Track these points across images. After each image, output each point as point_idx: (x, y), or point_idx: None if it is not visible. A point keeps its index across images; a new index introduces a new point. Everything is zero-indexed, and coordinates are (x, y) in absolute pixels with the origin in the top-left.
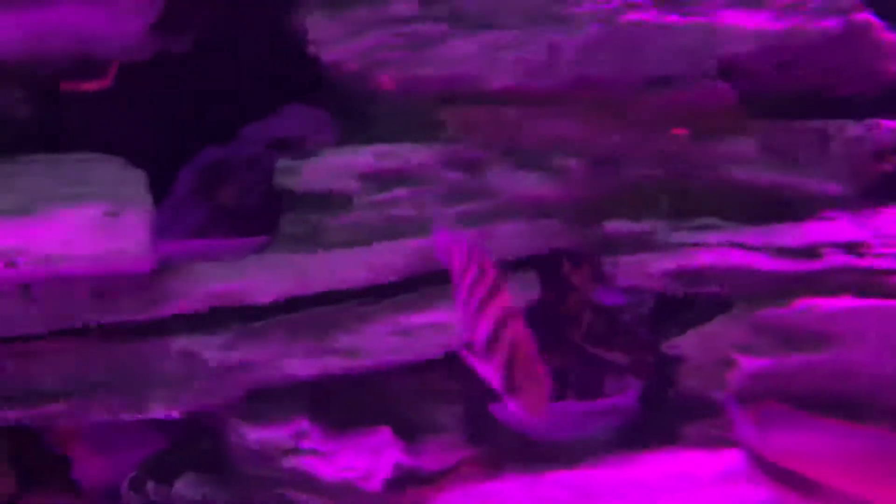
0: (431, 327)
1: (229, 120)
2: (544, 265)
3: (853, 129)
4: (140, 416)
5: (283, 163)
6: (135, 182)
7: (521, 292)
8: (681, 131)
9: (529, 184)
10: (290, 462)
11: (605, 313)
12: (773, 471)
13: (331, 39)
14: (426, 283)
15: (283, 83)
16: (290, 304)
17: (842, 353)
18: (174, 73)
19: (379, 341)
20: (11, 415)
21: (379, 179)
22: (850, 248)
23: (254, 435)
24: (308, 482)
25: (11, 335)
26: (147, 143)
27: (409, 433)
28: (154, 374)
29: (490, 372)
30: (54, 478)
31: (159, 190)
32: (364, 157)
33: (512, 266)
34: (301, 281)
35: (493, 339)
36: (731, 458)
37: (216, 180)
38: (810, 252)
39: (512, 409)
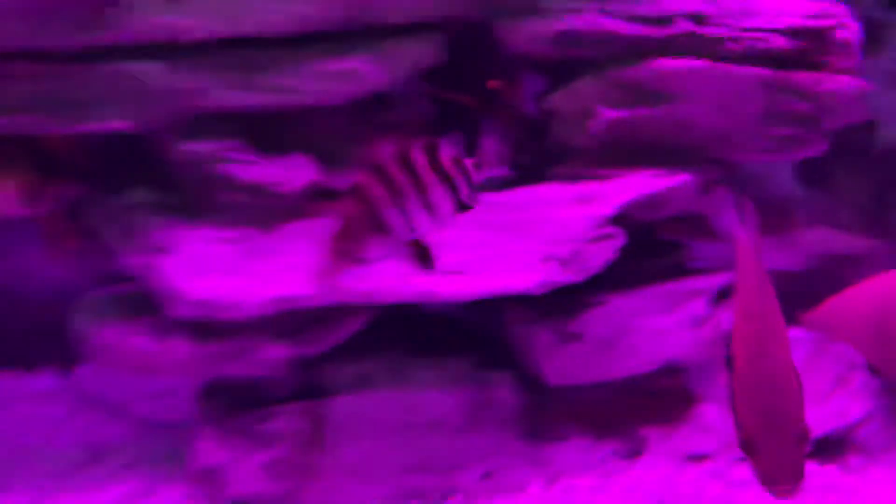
0: (348, 73)
1: None
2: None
3: None
4: (99, 127)
5: None
6: None
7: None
8: None
9: None
10: (222, 169)
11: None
12: None
13: None
14: (346, 36)
15: None
16: (223, 42)
17: (681, 107)
18: None
19: (302, 83)
20: None
21: None
22: (696, 18)
23: (189, 147)
24: (233, 183)
25: None
26: None
27: (328, 162)
28: (109, 94)
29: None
30: None
31: None
32: None
33: (425, 26)
34: (230, 22)
35: None
36: (591, 188)
37: None
38: (664, 20)
39: None
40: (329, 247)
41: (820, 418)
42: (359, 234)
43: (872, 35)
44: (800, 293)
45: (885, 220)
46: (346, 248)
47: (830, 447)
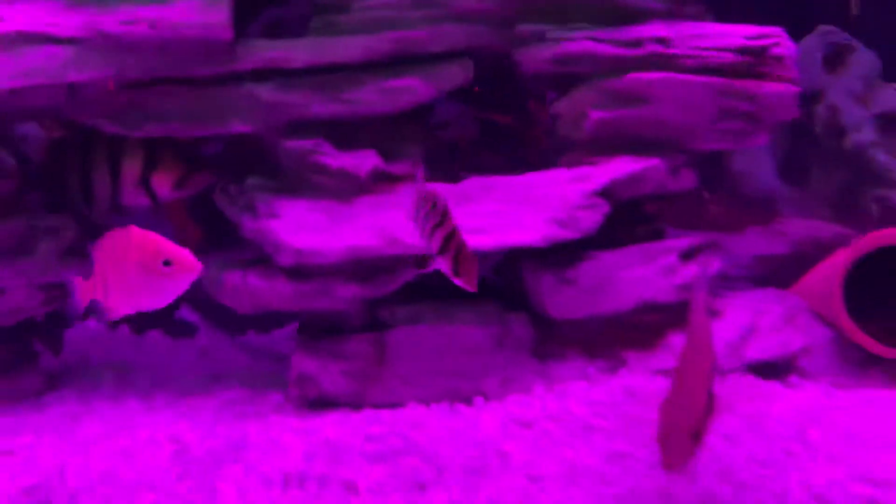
0: (403, 89)
1: None
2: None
3: None
4: (225, 131)
5: None
6: None
7: (462, 73)
8: None
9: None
10: (313, 159)
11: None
12: None
13: None
14: (400, 62)
15: None
16: (314, 69)
17: (654, 109)
18: None
19: (369, 96)
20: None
21: None
22: (662, 41)
23: (291, 144)
24: (321, 169)
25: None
26: None
27: (386, 155)
28: (233, 107)
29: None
30: None
31: None
32: None
33: (457, 54)
34: (319, 54)
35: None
36: (584, 171)
37: None
38: (637, 43)
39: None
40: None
41: (768, 347)
42: None
43: (840, 58)
44: (786, 272)
45: (853, 211)
46: None
47: (776, 369)
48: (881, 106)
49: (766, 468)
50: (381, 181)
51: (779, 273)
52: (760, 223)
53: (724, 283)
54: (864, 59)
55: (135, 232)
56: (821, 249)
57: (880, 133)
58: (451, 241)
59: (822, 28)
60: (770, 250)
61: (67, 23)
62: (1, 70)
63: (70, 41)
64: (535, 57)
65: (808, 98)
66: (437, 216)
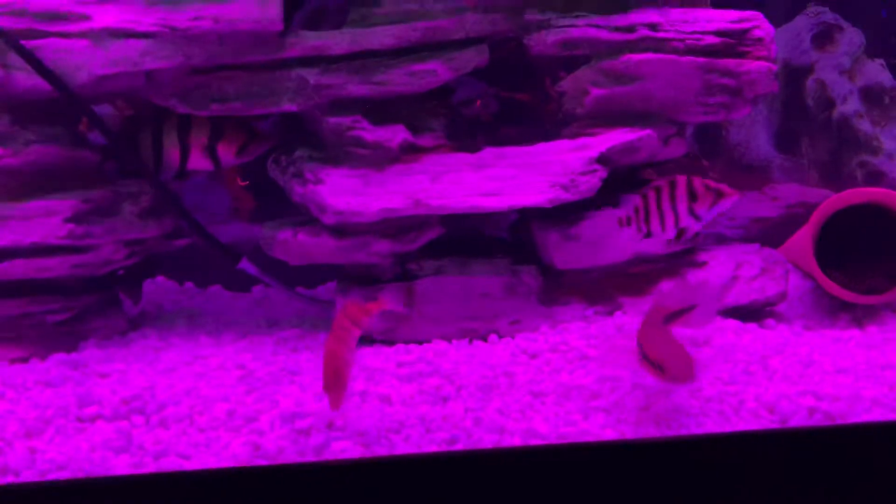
0: (428, 72)
1: None
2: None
3: None
4: (277, 109)
5: None
6: None
7: (478, 56)
8: None
9: None
10: (351, 133)
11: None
12: None
13: None
14: (425, 48)
15: None
16: (351, 55)
17: (645, 85)
18: None
19: (399, 79)
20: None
21: None
22: (652, 26)
23: (333, 120)
24: (358, 142)
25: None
26: None
27: (414, 129)
28: (283, 89)
29: None
30: None
31: None
32: None
33: (480, 39)
34: (356, 42)
35: None
36: (584, 141)
37: None
38: (631, 28)
39: None
40: None
41: (747, 292)
42: None
43: (828, 36)
44: (778, 232)
45: (840, 176)
46: None
47: (754, 313)
48: (865, 79)
49: (729, 386)
50: (409, 152)
51: (771, 233)
52: (756, 188)
53: (719, 241)
54: (850, 37)
55: None
56: (810, 212)
57: (865, 104)
58: None
59: (814, 8)
60: (764, 213)
61: (145, 20)
62: (93, 60)
63: (147, 35)
64: (544, 41)
65: (799, 72)
66: None
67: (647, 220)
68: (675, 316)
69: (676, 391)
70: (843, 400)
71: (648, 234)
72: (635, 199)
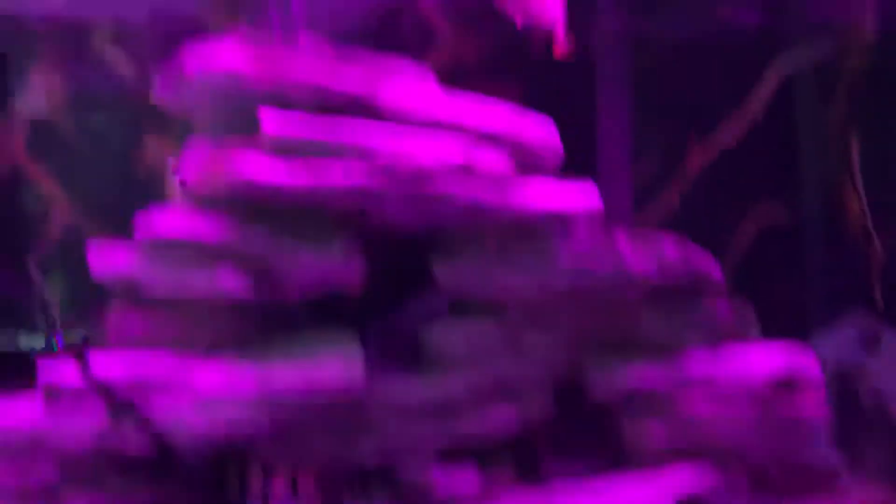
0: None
1: None
2: None
3: None
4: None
5: None
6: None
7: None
8: None
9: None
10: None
11: None
12: None
13: None
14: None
15: None
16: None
17: (701, 427)
18: None
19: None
20: None
21: None
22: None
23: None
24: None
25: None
26: None
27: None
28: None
29: None
30: None
31: None
32: None
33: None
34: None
35: None
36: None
37: None
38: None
39: None
40: None
41: None
42: None
43: (875, 341)
44: None
45: None
46: None
47: None
48: None
49: None
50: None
51: None
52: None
53: None
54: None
55: None
56: None
57: None
58: None
59: (859, 314)
60: None
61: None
62: None
63: (246, 402)
64: (605, 385)
65: (853, 373)
66: None
67: None
68: None
69: None
70: None
71: None
72: None
